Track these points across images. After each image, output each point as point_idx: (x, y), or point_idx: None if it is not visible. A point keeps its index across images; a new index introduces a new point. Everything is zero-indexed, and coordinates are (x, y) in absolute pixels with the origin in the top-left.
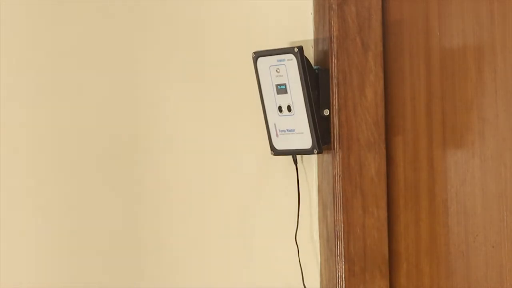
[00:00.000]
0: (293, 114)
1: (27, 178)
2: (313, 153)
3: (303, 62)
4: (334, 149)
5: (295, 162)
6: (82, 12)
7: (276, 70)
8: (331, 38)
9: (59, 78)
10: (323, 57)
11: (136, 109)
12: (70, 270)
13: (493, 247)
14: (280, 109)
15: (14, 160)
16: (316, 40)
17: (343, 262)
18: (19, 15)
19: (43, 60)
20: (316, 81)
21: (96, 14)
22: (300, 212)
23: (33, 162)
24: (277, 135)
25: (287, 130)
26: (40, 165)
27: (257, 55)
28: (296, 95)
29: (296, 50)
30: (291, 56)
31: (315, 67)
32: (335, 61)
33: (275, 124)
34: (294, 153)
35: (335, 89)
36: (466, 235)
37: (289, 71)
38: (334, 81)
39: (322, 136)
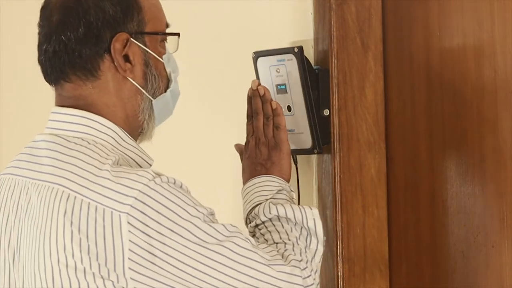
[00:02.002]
0: (293, 114)
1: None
2: (313, 153)
3: (303, 62)
4: (334, 149)
5: (295, 162)
6: None
7: (276, 70)
8: (331, 38)
9: None
10: (323, 57)
11: None
12: None
13: (493, 247)
14: None
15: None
16: (316, 40)
17: (343, 262)
18: None
19: None
20: (316, 81)
21: None
22: None
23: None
24: None
25: (287, 130)
26: None
27: (257, 55)
28: (296, 95)
29: (296, 50)
30: (291, 56)
31: (315, 67)
32: (335, 61)
33: None
34: (294, 153)
35: (335, 89)
36: (466, 235)
37: (289, 71)
38: (334, 81)
39: (322, 136)
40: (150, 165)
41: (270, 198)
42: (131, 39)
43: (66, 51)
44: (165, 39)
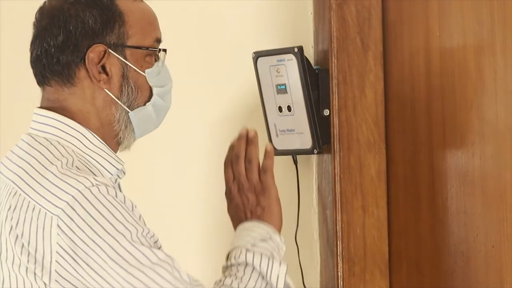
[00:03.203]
0: (293, 114)
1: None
2: (313, 153)
3: (303, 62)
4: (334, 149)
5: (295, 162)
6: None
7: (276, 70)
8: (331, 38)
9: None
10: (323, 57)
11: None
12: None
13: (493, 247)
14: (280, 109)
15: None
16: (316, 40)
17: (343, 262)
18: None
19: None
20: (316, 81)
21: None
22: (300, 212)
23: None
24: (277, 135)
25: (287, 130)
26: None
27: (257, 55)
28: (296, 95)
29: (296, 50)
30: (291, 56)
31: (315, 67)
32: (335, 61)
33: (275, 124)
34: (294, 153)
35: (335, 89)
36: (466, 235)
37: (289, 71)
38: (334, 81)
39: (322, 136)
40: (118, 169)
41: (250, 245)
42: (110, 51)
43: (46, 56)
44: (153, 54)
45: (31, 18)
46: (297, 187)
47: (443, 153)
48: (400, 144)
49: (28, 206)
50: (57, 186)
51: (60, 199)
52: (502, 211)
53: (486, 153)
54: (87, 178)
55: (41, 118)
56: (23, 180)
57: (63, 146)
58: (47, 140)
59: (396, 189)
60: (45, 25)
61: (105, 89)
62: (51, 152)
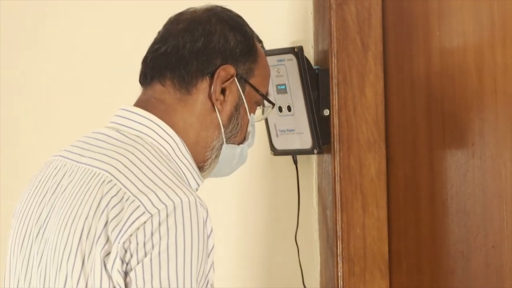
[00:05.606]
0: (293, 114)
1: None
2: (313, 153)
3: (303, 62)
4: (334, 149)
5: (295, 162)
6: None
7: (276, 70)
8: (331, 38)
9: None
10: (323, 57)
11: None
12: None
13: (493, 247)
14: (280, 109)
15: None
16: (316, 40)
17: (343, 262)
18: None
19: None
20: (316, 81)
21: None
22: (300, 212)
23: None
24: (277, 135)
25: (287, 130)
26: None
27: None
28: (296, 95)
29: (296, 50)
30: (291, 56)
31: (315, 67)
32: (335, 61)
33: (275, 124)
34: (294, 153)
35: (335, 89)
36: (466, 235)
37: (289, 71)
38: (334, 81)
39: (322, 136)
40: (199, 185)
41: None
42: (235, 78)
43: (176, 55)
44: (260, 103)
45: (31, 18)
46: (297, 187)
47: (443, 153)
48: (400, 144)
49: (123, 197)
50: (161, 189)
51: (161, 201)
52: (502, 211)
53: (486, 153)
54: (192, 193)
55: (132, 115)
56: (120, 172)
57: (158, 149)
58: (141, 138)
59: (396, 189)
60: (186, 28)
61: (216, 111)
62: (151, 153)
